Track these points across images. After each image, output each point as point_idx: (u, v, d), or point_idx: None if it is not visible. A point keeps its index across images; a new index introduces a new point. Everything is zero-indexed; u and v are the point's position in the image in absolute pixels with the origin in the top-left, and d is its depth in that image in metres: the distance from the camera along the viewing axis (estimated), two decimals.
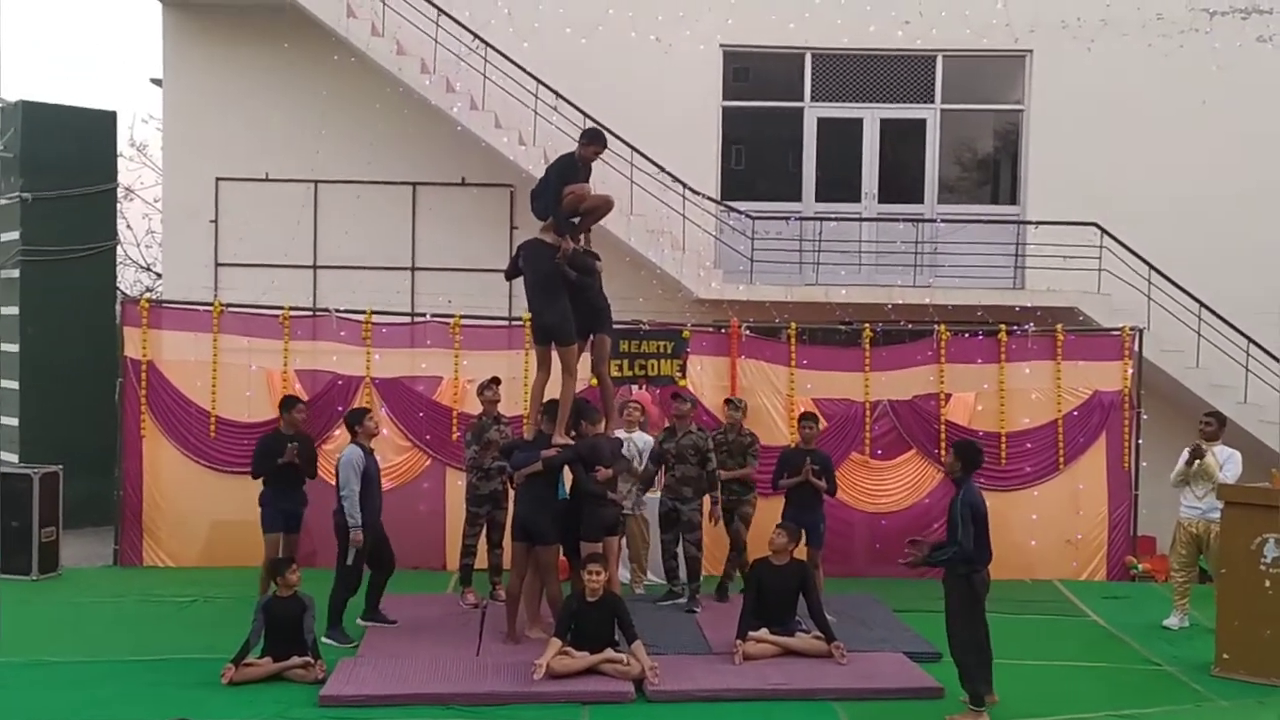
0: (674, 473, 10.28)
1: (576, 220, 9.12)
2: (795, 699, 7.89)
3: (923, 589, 11.41)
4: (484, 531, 10.35)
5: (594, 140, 9.29)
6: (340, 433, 11.82)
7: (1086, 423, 12.32)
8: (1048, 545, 12.24)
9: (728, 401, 10.97)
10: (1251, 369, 13.16)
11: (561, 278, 8.91)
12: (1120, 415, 12.33)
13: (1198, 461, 9.94)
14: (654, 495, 11.23)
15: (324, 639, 8.79)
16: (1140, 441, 12.38)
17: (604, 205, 9.34)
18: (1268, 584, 8.57)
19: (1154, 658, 9.26)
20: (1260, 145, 14.18)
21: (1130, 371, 12.40)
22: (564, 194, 8.92)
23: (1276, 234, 14.11)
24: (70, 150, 14.59)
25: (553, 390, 9.20)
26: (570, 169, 9.11)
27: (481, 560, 10.43)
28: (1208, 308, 13.22)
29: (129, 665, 8.55)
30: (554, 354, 9.09)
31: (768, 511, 10.51)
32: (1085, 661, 9.18)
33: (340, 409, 11.94)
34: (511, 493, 9.71)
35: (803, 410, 11.25)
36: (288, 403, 10.23)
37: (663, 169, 13.47)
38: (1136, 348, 12.47)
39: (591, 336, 9.34)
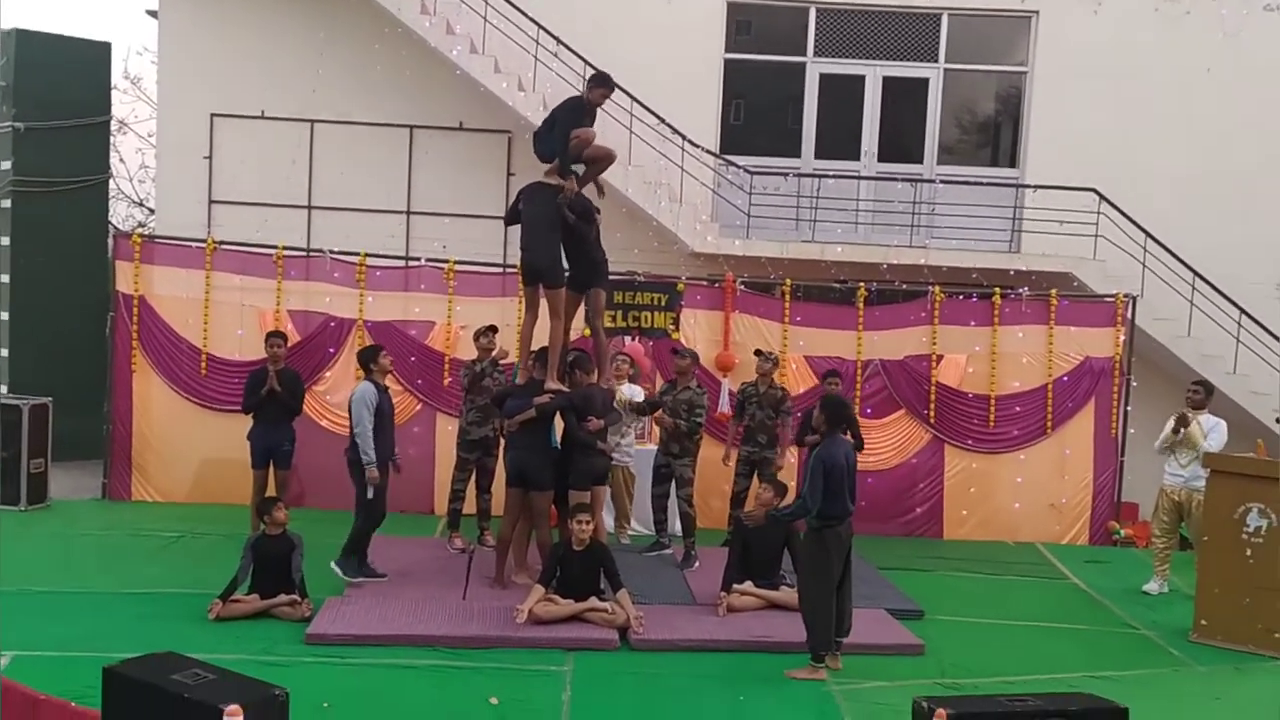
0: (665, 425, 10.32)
1: (581, 169, 9.09)
2: (777, 651, 7.96)
3: (909, 546, 11.56)
4: (473, 477, 10.39)
5: (601, 84, 9.24)
6: (331, 373, 11.91)
7: (1076, 388, 12.38)
8: (1032, 508, 12.34)
9: (757, 353, 10.93)
10: (1243, 340, 13.20)
11: (560, 221, 8.89)
12: (1110, 382, 12.38)
13: (1182, 430, 10.01)
14: (643, 447, 11.30)
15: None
16: (1129, 409, 12.44)
17: (606, 158, 9.29)
18: (1249, 553, 8.66)
19: (1133, 622, 9.36)
20: (1264, 117, 14.13)
21: (1122, 339, 12.44)
22: (570, 137, 8.89)
23: (1273, 206, 14.12)
24: (64, 81, 14.40)
25: (541, 336, 9.18)
26: (577, 111, 9.08)
27: (470, 505, 10.47)
28: (1202, 277, 13.24)
29: (116, 598, 8.60)
30: (542, 298, 9.06)
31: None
32: (1065, 623, 9.29)
33: (332, 350, 11.96)
34: (502, 440, 9.75)
35: (827, 369, 11.36)
36: (266, 337, 10.36)
37: (663, 120, 13.37)
38: (1129, 315, 12.50)
39: (587, 291, 9.31)
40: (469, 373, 10.32)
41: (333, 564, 8.87)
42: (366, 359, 9.28)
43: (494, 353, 10.31)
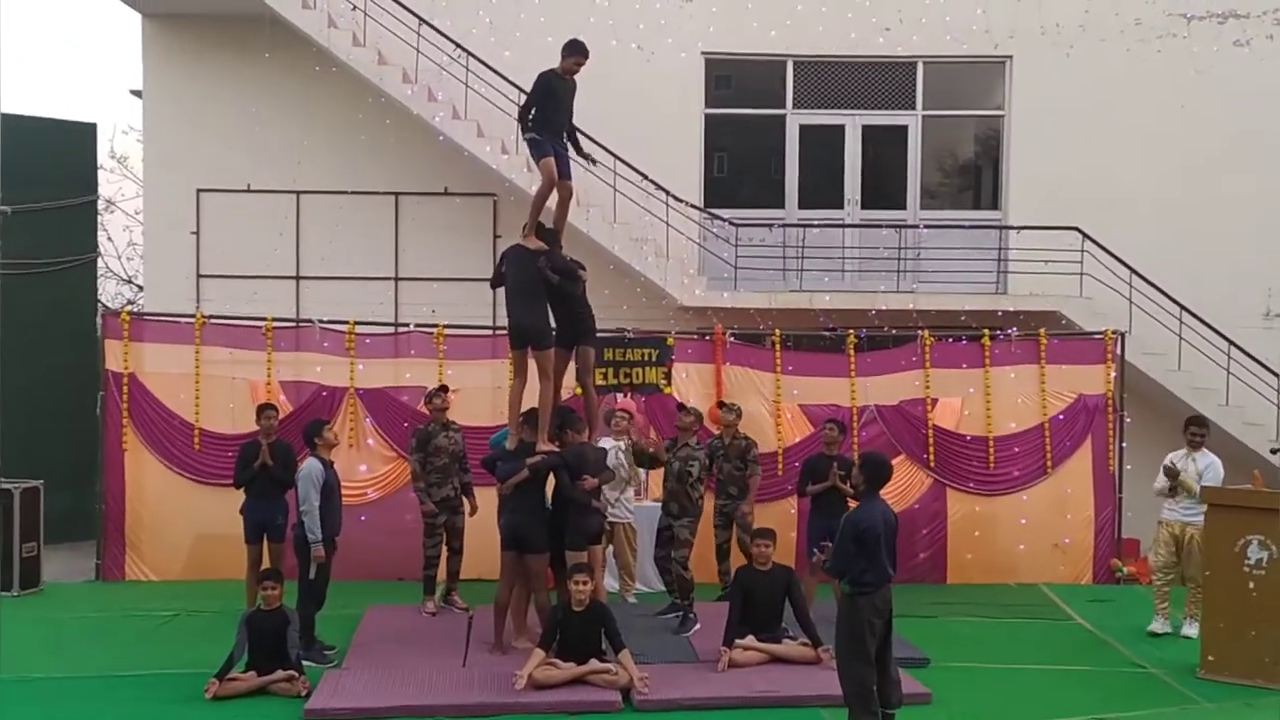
0: (666, 485, 10.26)
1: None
2: (782, 706, 7.85)
3: (912, 593, 11.43)
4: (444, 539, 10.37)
5: (574, 51, 8.89)
6: None
7: (1072, 426, 12.36)
8: (1035, 549, 12.25)
9: (720, 404, 10.89)
10: (1233, 371, 13.23)
11: (543, 282, 8.91)
12: (1104, 418, 12.37)
13: (1174, 482, 9.91)
14: (642, 504, 11.24)
15: (302, 660, 8.66)
16: (1124, 444, 12.42)
17: (559, 189, 9.12)
18: (1252, 585, 8.59)
19: (1140, 660, 9.27)
20: (1239, 148, 14.28)
21: (1113, 375, 12.44)
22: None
23: (1255, 236, 14.25)
24: (50, 162, 14.51)
25: (530, 399, 9.16)
26: (547, 88, 8.94)
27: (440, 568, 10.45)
28: (1189, 310, 13.30)
29: (112, 681, 8.46)
30: (530, 360, 9.05)
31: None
32: (1072, 665, 9.18)
33: (325, 420, 11.89)
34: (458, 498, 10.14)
35: (827, 418, 11.08)
36: (258, 409, 10.30)
37: (646, 176, 13.49)
38: (1119, 351, 12.51)
39: (575, 348, 9.31)
40: (419, 433, 10.33)
41: (300, 660, 8.50)
42: (311, 434, 9.19)
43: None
